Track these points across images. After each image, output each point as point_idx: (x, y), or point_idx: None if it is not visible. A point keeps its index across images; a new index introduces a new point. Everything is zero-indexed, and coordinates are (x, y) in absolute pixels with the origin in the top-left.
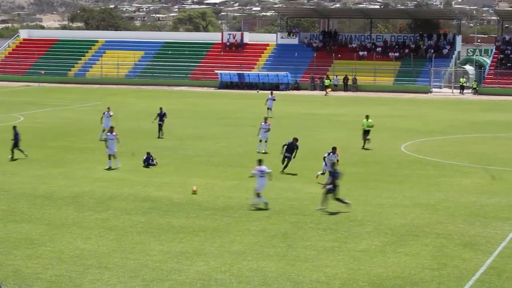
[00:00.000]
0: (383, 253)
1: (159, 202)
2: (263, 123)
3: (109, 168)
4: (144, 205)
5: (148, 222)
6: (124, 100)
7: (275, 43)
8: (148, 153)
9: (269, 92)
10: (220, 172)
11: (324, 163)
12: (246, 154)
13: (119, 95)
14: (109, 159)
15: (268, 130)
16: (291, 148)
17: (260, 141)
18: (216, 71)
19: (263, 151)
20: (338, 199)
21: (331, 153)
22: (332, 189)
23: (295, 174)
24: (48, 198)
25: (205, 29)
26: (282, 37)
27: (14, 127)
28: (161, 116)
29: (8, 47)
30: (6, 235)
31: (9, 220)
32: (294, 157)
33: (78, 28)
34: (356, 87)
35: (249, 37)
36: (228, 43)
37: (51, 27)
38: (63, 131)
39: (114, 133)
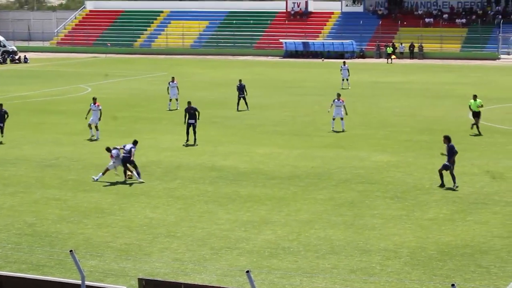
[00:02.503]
0: (451, 221)
1: (226, 171)
2: (336, 100)
3: (90, 139)
4: (211, 174)
5: (215, 191)
6: (189, 70)
7: (340, 11)
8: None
9: (342, 61)
10: (285, 141)
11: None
12: (311, 123)
13: (185, 65)
14: (90, 128)
15: (343, 107)
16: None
17: (334, 118)
18: (281, 40)
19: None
20: (452, 175)
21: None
22: (448, 166)
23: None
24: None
25: None
26: (347, 5)
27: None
28: (241, 89)
29: (75, 18)
30: (77, 205)
31: (79, 190)
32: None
33: None
34: (422, 55)
35: (313, 5)
36: (292, 12)
37: None
38: (130, 102)
39: (97, 104)
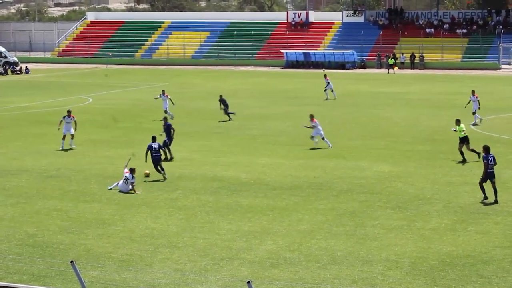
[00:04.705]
0: (453, 231)
1: (227, 181)
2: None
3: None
4: (212, 185)
5: (216, 202)
6: (190, 81)
7: (341, 21)
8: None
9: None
10: (287, 152)
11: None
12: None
13: (186, 75)
14: (63, 139)
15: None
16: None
17: (312, 136)
18: (282, 51)
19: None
20: (494, 188)
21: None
22: (485, 178)
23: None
24: (118, 179)
25: (270, 9)
26: (347, 16)
27: None
28: (223, 102)
29: (76, 29)
30: (78, 215)
31: (80, 201)
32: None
33: (144, 10)
34: (423, 65)
35: (314, 16)
36: (293, 22)
37: (118, 9)
38: (131, 112)
39: (71, 116)
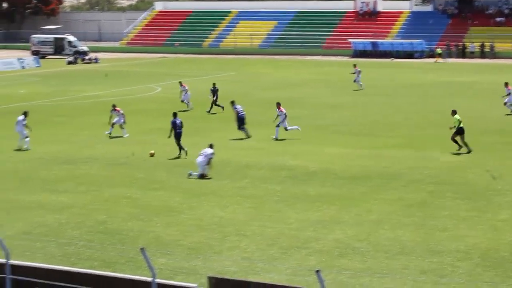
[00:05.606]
0: None
1: (295, 170)
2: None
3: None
4: (280, 174)
5: (284, 191)
6: (258, 71)
7: (409, 10)
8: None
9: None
10: (354, 141)
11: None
12: (380, 123)
13: (253, 65)
14: (112, 127)
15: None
16: (174, 126)
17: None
18: (349, 40)
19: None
20: None
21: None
22: None
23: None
24: (186, 167)
25: None
26: (416, 4)
27: None
28: (214, 92)
29: (144, 19)
30: (146, 203)
31: (149, 188)
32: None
33: None
34: (493, 54)
35: (382, 5)
36: (361, 11)
37: None
38: (197, 101)
39: (117, 109)
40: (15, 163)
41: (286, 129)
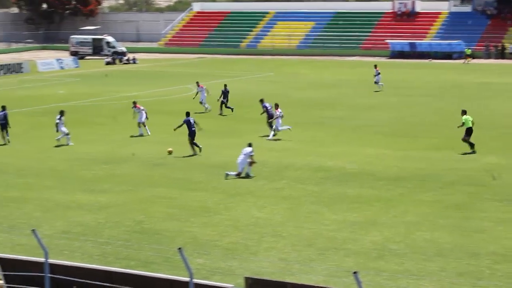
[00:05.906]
0: None
1: (332, 172)
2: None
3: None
4: (318, 175)
5: (321, 192)
6: (296, 71)
7: (448, 11)
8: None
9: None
10: (391, 142)
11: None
12: (418, 124)
13: (291, 66)
14: (139, 127)
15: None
16: (188, 124)
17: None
18: (387, 41)
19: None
20: None
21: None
22: None
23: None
24: (223, 168)
25: None
26: (454, 5)
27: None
28: (225, 94)
29: (182, 20)
30: (184, 203)
31: (186, 189)
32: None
33: (249, 0)
34: None
35: (420, 6)
36: (399, 12)
37: (223, 0)
38: (235, 102)
39: (137, 106)
40: (55, 163)
41: (277, 129)
